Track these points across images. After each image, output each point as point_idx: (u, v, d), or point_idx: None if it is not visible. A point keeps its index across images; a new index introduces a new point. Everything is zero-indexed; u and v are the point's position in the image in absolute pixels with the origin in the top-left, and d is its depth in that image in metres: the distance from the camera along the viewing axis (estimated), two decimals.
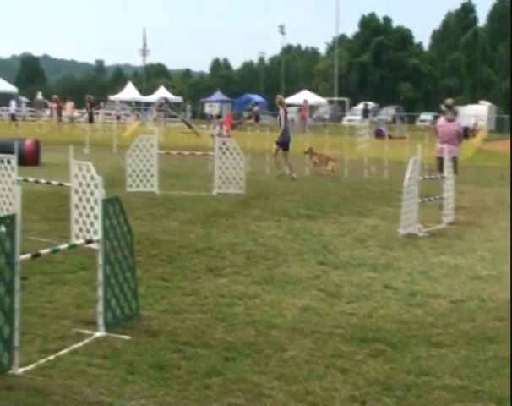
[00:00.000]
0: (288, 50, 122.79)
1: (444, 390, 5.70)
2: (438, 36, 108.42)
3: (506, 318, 7.58)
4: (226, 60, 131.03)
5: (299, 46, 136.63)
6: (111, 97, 77.31)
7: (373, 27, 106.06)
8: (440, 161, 14.77)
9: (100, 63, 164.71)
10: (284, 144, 21.25)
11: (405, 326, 7.30)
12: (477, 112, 60.38)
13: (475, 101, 71.03)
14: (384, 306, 8.01)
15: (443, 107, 19.02)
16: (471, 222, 14.03)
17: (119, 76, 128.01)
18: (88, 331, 6.89)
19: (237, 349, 6.54)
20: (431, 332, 7.10)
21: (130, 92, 79.83)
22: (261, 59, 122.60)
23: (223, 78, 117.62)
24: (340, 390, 5.68)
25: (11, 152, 12.30)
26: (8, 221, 5.87)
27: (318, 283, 8.94)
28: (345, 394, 5.60)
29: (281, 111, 21.65)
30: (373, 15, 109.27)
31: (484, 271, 9.81)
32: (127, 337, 6.78)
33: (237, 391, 5.64)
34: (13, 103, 51.94)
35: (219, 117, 51.55)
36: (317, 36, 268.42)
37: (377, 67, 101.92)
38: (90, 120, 44.29)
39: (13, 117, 48.82)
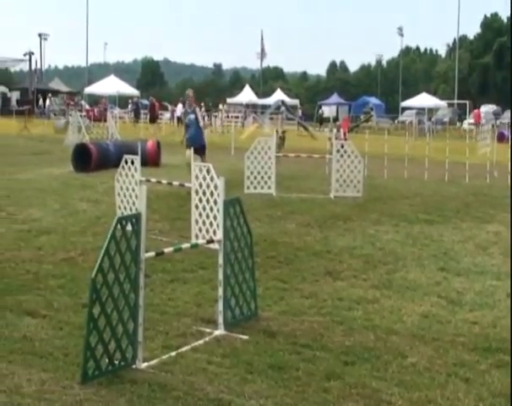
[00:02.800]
0: (407, 52, 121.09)
1: None
2: None
3: None
4: (342, 63, 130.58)
5: (418, 48, 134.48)
6: (229, 100, 78.40)
7: (495, 27, 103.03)
8: None
9: (218, 67, 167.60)
10: None
11: None
12: None
13: None
14: (508, 316, 7.73)
15: None
16: None
17: (236, 79, 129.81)
18: (208, 330, 7.00)
19: (356, 354, 6.48)
20: None
21: (247, 95, 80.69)
22: (378, 62, 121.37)
23: (340, 80, 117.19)
24: (463, 400, 5.54)
25: (134, 153, 12.66)
26: (134, 219, 6.04)
27: (439, 290, 8.74)
28: (468, 404, 5.45)
29: None
30: (495, 15, 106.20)
31: None
32: (246, 337, 6.85)
33: (356, 395, 5.59)
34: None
35: (336, 120, 51.36)
36: (436, 38, 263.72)
37: (499, 69, 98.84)
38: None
39: (137, 117, 50.83)
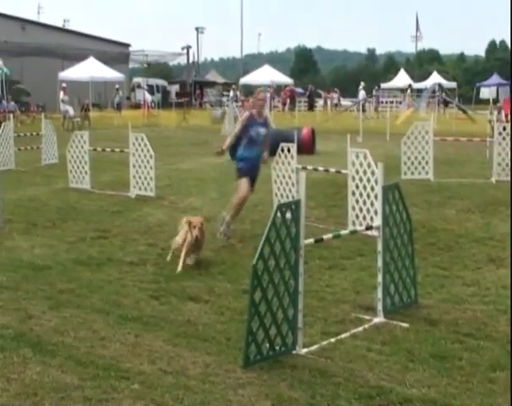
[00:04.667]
0: None
1: None
2: None
3: None
4: (502, 41, 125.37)
5: None
6: (383, 85, 77.38)
7: None
8: None
9: (371, 52, 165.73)
10: None
11: None
12: None
13: None
14: None
15: None
16: None
17: (391, 64, 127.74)
18: (367, 317, 6.96)
19: None
20: None
21: (402, 79, 79.28)
22: None
23: (500, 60, 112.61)
24: None
25: (290, 141, 12.77)
26: (294, 206, 6.09)
27: None
28: None
29: None
30: None
31: None
32: (406, 325, 6.75)
33: None
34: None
35: (496, 101, 49.48)
36: None
37: None
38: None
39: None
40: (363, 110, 40.56)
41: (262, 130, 10.75)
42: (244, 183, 10.60)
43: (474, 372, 5.65)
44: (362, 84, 56.92)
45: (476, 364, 5.81)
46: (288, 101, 51.40)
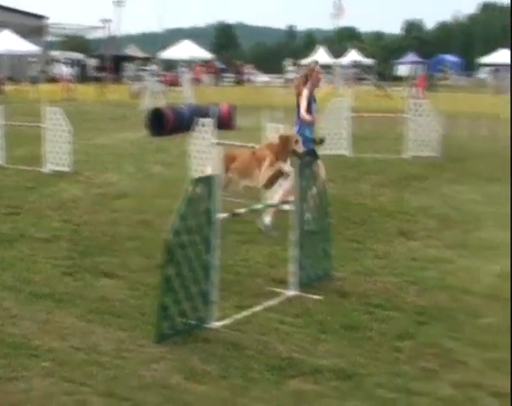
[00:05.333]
0: (485, 7, 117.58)
1: None
2: None
3: None
4: (419, 20, 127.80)
5: (496, 3, 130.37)
6: (303, 62, 77.82)
7: None
8: None
9: (291, 29, 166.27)
10: None
11: None
12: None
13: None
14: None
15: None
16: None
17: (310, 41, 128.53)
18: (281, 290, 7.04)
19: (430, 314, 6.43)
20: None
21: (321, 56, 79.91)
22: (456, 18, 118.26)
23: (416, 39, 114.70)
24: None
25: (208, 117, 12.74)
26: (208, 181, 6.09)
27: None
28: None
29: None
30: None
31: None
32: (318, 297, 6.86)
33: (429, 355, 5.56)
34: None
35: (411, 79, 50.43)
36: None
37: None
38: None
39: None
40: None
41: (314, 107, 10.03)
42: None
43: (382, 342, 5.80)
44: (291, 61, 57.05)
45: (385, 333, 5.96)
46: (204, 76, 51.29)
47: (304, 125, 9.80)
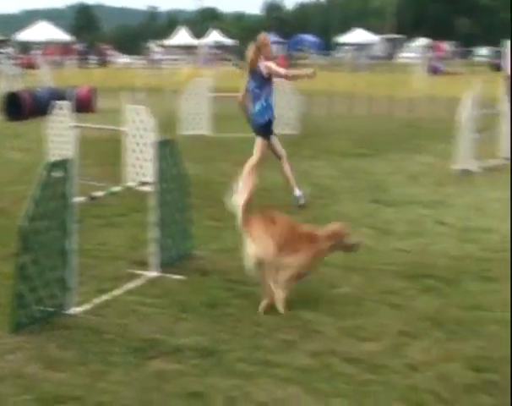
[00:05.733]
0: None
1: (496, 324, 5.67)
2: None
3: None
4: (278, 1, 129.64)
5: None
6: (165, 43, 77.29)
7: None
8: None
9: (152, 10, 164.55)
10: None
11: (458, 262, 7.24)
12: None
13: None
14: (436, 242, 7.95)
15: None
16: None
17: (172, 22, 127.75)
18: (142, 272, 7.01)
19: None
20: (483, 267, 7.05)
21: (183, 37, 79.63)
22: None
23: (277, 19, 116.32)
24: (391, 325, 5.69)
25: (67, 99, 12.45)
26: (65, 164, 5.96)
27: (370, 221, 8.91)
28: (394, 329, 5.61)
29: None
30: None
31: None
32: (180, 277, 6.88)
33: (289, 327, 5.69)
34: None
35: (272, 58, 51.09)
36: None
37: (433, 2, 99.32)
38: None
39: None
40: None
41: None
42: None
43: (242, 317, 5.89)
44: (156, 42, 56.42)
45: (245, 309, 6.06)
46: (63, 59, 50.04)
47: (270, 94, 10.01)
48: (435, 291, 6.45)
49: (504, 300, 6.15)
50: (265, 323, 5.76)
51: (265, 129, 10.22)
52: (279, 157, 10.28)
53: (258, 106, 10.13)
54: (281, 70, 10.20)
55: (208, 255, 7.64)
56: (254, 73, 10.03)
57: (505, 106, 13.67)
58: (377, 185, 11.01)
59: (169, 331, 5.63)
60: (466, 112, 12.14)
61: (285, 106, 17.43)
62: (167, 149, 7.27)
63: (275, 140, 10.31)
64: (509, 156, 12.80)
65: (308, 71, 10.07)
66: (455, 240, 8.05)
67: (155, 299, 6.32)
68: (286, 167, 10.26)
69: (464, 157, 12.10)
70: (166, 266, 7.09)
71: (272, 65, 9.97)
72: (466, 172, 11.92)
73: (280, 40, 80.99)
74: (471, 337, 5.46)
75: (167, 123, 16.62)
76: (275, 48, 70.09)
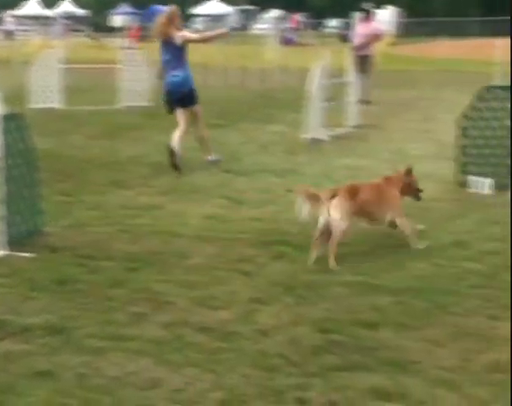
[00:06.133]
0: None
1: (343, 286, 5.87)
2: None
3: (405, 214, 7.79)
4: None
5: None
6: (16, 13, 74.23)
7: None
8: (359, 59, 15.33)
9: None
10: None
11: (308, 228, 7.41)
12: (382, 17, 60.49)
13: (381, 6, 71.03)
14: (287, 210, 8.09)
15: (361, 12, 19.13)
16: (375, 125, 14.26)
17: None
18: None
19: (141, 259, 6.54)
20: None
21: (32, 7, 76.76)
22: None
23: None
24: (242, 293, 5.77)
25: None
26: None
27: (223, 191, 8.99)
28: (246, 296, 5.69)
29: None
30: None
31: (385, 171, 10.00)
32: (29, 255, 6.67)
33: (141, 300, 5.66)
34: None
35: (126, 29, 50.29)
36: None
37: None
38: None
39: None
40: None
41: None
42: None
43: (94, 292, 5.80)
44: (7, 12, 53.89)
45: (96, 284, 5.96)
46: None
47: (188, 69, 10.39)
48: (286, 257, 6.59)
49: (352, 263, 6.37)
50: (117, 297, 5.70)
51: (189, 97, 10.47)
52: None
53: (179, 76, 10.31)
54: (195, 36, 11.00)
55: (58, 231, 7.45)
56: (168, 44, 10.24)
57: (352, 77, 14.10)
58: (230, 155, 11.11)
59: (17, 311, 5.46)
60: (316, 82, 12.43)
61: (137, 78, 17.21)
62: (13, 123, 7.01)
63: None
64: None
65: (220, 30, 11.13)
66: None
67: (2, 279, 6.10)
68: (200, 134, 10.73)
69: (313, 126, 12.40)
70: (14, 243, 6.85)
71: (186, 33, 10.52)
72: (316, 141, 12.23)
73: (134, 10, 79.83)
74: (319, 300, 5.62)
75: (15, 96, 16.00)
76: (128, 19, 69.19)
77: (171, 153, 10.13)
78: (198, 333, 5.07)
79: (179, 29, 10.30)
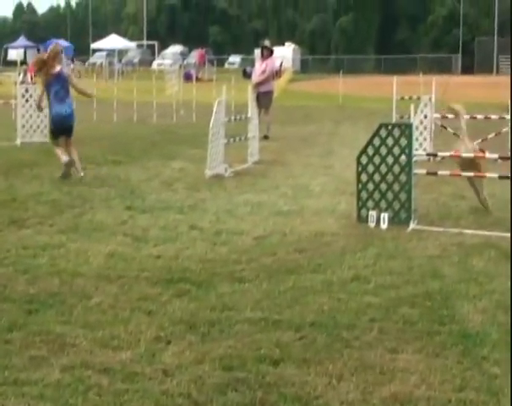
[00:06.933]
0: None
1: (246, 323, 5.88)
2: None
3: (306, 250, 7.94)
4: (30, 4, 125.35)
5: None
6: None
7: None
8: (259, 95, 15.61)
9: None
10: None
11: (210, 265, 7.43)
12: (283, 54, 61.75)
13: (281, 43, 72.60)
14: (189, 247, 8.11)
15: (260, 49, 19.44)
16: (275, 160, 14.48)
17: None
18: None
19: (40, 301, 6.36)
20: (234, 269, 7.28)
21: None
22: (67, 3, 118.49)
23: (28, 23, 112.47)
24: (145, 332, 5.69)
25: None
26: None
27: (125, 228, 8.89)
28: (150, 335, 5.62)
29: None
30: None
31: (286, 206, 10.18)
32: None
33: (40, 343, 5.49)
34: None
35: (23, 63, 49.33)
36: None
37: (186, 10, 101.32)
38: None
39: None
40: None
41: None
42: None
43: None
44: None
45: None
46: None
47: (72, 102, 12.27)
48: (188, 295, 6.56)
49: (254, 299, 6.41)
50: (14, 340, 5.53)
51: (72, 129, 12.20)
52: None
53: (69, 108, 12.07)
54: (75, 82, 12.64)
55: None
56: (57, 76, 11.83)
57: (252, 112, 14.27)
58: (131, 192, 11.01)
59: None
60: (216, 118, 12.52)
61: (34, 113, 16.91)
62: None
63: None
64: None
65: (89, 92, 13.56)
66: (208, 243, 8.26)
67: None
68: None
69: (215, 162, 12.47)
70: None
71: (72, 76, 12.96)
72: (218, 177, 12.30)
73: (31, 44, 78.57)
74: (222, 337, 5.62)
75: None
76: (22, 52, 67.89)
77: (69, 164, 11.86)
78: (100, 375, 4.96)
79: (61, 63, 12.10)
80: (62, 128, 12.11)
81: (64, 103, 11.98)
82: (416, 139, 13.71)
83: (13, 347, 5.43)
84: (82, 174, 11.92)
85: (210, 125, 12.37)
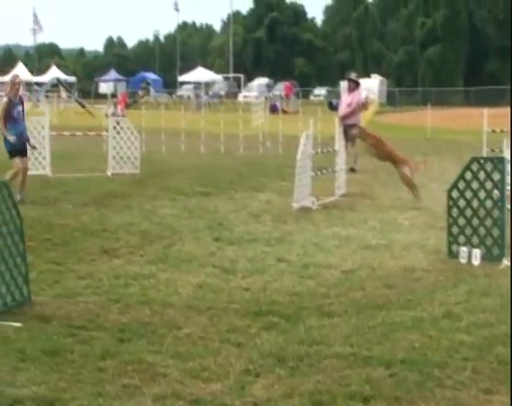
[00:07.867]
0: (183, 27, 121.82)
1: (335, 358, 5.84)
2: (331, 11, 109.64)
3: (396, 285, 7.84)
4: (120, 38, 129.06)
5: (194, 24, 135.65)
6: (1, 79, 74.76)
7: (266, 3, 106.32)
8: (345, 127, 15.39)
9: None
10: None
11: (298, 298, 7.43)
12: (369, 86, 61.52)
13: (366, 75, 72.41)
14: (277, 279, 8.12)
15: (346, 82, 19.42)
16: (363, 193, 14.39)
17: (9, 57, 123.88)
18: None
19: (132, 330, 6.49)
20: (323, 303, 7.25)
21: (21, 72, 77.31)
22: (156, 37, 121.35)
23: (117, 56, 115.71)
24: (235, 364, 5.73)
25: None
26: None
27: (213, 260, 8.99)
28: (239, 368, 5.65)
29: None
30: None
31: (374, 240, 10.09)
32: (18, 324, 6.62)
33: (132, 371, 5.60)
34: None
35: (114, 96, 50.74)
36: (212, 13, 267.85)
37: (271, 42, 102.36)
38: None
39: None
40: None
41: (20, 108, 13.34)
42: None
43: (85, 363, 5.74)
44: None
45: (87, 355, 5.91)
46: None
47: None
48: (277, 328, 6.57)
49: (343, 334, 6.36)
50: (108, 368, 5.65)
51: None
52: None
53: (25, 130, 13.72)
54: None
55: (48, 300, 7.40)
56: (20, 100, 13.55)
57: (339, 145, 14.27)
58: (219, 223, 11.14)
59: (7, 382, 5.40)
60: (304, 151, 12.56)
61: (124, 145, 17.36)
62: (1, 192, 7.02)
63: None
64: None
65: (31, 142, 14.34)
66: (295, 276, 8.26)
67: None
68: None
69: (302, 195, 12.49)
70: (2, 313, 6.80)
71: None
72: (305, 210, 12.30)
73: (120, 77, 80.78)
74: (311, 372, 5.60)
75: (2, 164, 16.08)
76: (112, 85, 69.79)
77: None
78: (189, 405, 5.01)
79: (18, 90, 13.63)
80: (20, 148, 13.47)
81: (20, 124, 13.42)
82: (510, 174, 13.40)
83: (107, 375, 5.55)
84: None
85: (298, 158, 12.42)
